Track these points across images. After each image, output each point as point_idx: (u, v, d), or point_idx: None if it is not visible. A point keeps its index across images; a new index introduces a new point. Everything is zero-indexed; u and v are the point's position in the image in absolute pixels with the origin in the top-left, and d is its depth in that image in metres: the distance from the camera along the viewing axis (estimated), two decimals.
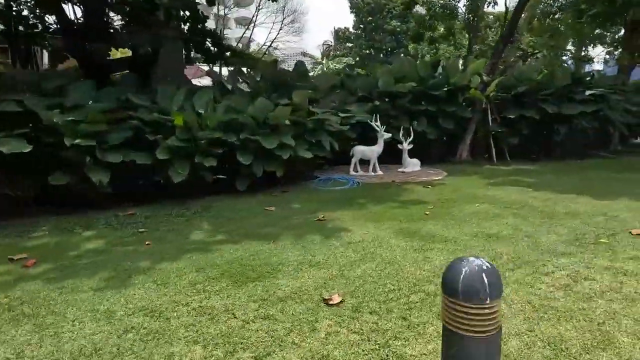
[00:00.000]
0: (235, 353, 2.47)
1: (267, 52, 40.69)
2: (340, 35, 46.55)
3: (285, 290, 3.35)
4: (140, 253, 4.38)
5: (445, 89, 10.63)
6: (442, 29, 16.46)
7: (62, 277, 3.73)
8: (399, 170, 9.64)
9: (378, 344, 2.53)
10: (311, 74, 19.47)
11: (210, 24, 29.85)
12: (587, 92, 10.68)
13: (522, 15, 19.22)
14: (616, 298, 3.03)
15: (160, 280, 3.60)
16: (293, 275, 3.67)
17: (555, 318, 2.78)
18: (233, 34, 41.84)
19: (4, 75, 7.52)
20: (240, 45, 39.97)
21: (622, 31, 15.16)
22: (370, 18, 42.96)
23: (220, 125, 7.14)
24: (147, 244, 4.65)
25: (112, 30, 10.35)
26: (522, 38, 17.02)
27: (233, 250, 4.39)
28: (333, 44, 49.73)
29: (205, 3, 14.27)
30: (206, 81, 16.48)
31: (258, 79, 9.58)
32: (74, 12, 10.72)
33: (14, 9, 10.59)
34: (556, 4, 16.05)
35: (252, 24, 32.03)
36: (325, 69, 28.10)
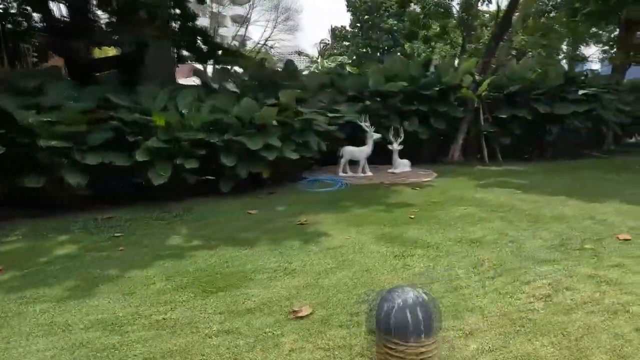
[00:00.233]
0: None
1: (263, 51, 40.49)
2: (337, 33, 46.36)
3: (254, 300, 3.21)
4: (112, 259, 4.23)
5: (437, 88, 10.49)
6: (436, 27, 16.32)
7: (26, 285, 3.59)
8: (389, 171, 9.51)
9: None
10: (306, 72, 19.33)
11: (204, 22, 29.62)
12: (580, 92, 10.56)
13: (517, 14, 19.13)
14: (597, 310, 2.91)
15: (126, 289, 3.46)
16: (265, 284, 3.54)
17: (532, 332, 2.65)
18: (229, 32, 41.59)
19: None
20: (236, 43, 39.83)
21: (618, 30, 15.06)
22: (367, 16, 42.78)
23: (204, 126, 6.99)
24: (121, 250, 4.51)
25: (96, 29, 10.17)
26: (514, 37, 16.92)
27: (208, 256, 4.25)
28: (330, 42, 49.54)
29: (194, 1, 14.07)
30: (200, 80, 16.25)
31: (246, 78, 9.42)
32: (59, 9, 10.52)
33: (1, 6, 10.41)
34: (551, 3, 15.93)
35: (247, 22, 31.78)
36: (320, 67, 27.93)
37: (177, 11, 13.61)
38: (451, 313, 2.92)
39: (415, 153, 10.88)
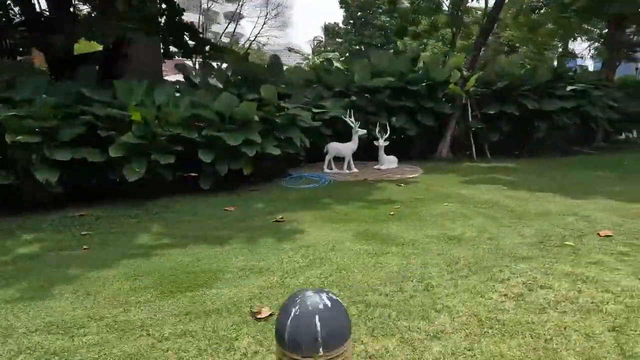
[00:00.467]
0: None
1: (255, 47, 40.21)
2: (329, 30, 46.14)
3: (216, 301, 3.06)
4: (76, 259, 4.06)
5: (425, 84, 10.36)
6: (426, 23, 16.18)
7: None
8: (375, 167, 9.37)
9: None
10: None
11: (195, 18, 29.29)
12: (568, 88, 10.47)
13: (510, 10, 19.04)
14: (570, 309, 2.78)
15: (84, 290, 3.29)
16: (231, 283, 3.38)
17: (500, 334, 2.52)
18: (222, 28, 41.23)
19: None
20: (229, 40, 39.52)
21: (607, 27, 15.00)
22: (359, 13, 42.61)
23: (183, 121, 6.81)
24: (86, 249, 4.34)
25: (77, 22, 9.94)
26: (503, 32, 16.81)
27: (176, 255, 4.09)
28: (324, 39, 49.32)
29: None
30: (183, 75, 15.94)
31: (229, 73, 9.23)
32: (38, 3, 10.26)
33: None
34: None
35: (239, 19, 31.49)
36: (311, 64, 27.71)
37: (164, 6, 13.39)
38: (419, 313, 2.79)
39: (403, 149, 10.76)
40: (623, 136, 16.70)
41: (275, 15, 33.63)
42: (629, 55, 22.29)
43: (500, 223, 4.92)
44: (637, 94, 17.65)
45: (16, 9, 10.46)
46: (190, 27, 14.38)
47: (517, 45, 17.89)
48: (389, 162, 9.46)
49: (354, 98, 9.90)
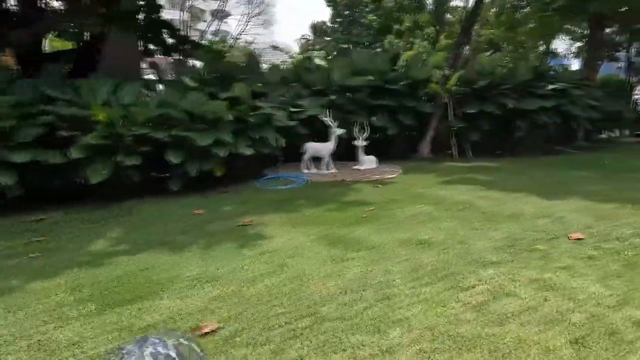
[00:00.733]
0: None
1: (239, 46, 39.79)
2: (317, 29, 45.91)
3: (161, 314, 2.86)
4: (20, 268, 3.82)
5: (405, 82, 10.23)
6: (409, 21, 16.08)
7: None
8: (354, 167, 9.20)
9: None
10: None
11: (176, 15, 28.82)
12: (549, 87, 10.42)
13: (493, 9, 19.05)
14: (532, 320, 2.64)
15: (18, 303, 3.06)
16: (181, 293, 3.18)
17: (457, 348, 2.36)
18: (208, 26, 40.70)
19: None
20: (216, 38, 39.05)
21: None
22: (347, 12, 42.48)
23: (150, 121, 6.57)
24: (33, 256, 4.09)
25: (46, 19, 9.60)
26: (483, 31, 16.82)
27: (129, 262, 3.87)
28: (312, 38, 49.10)
29: None
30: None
31: (205, 72, 8.98)
32: None
33: None
34: None
35: (225, 17, 31.09)
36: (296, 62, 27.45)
37: (141, 2, 13.06)
38: (373, 326, 2.62)
39: (384, 149, 10.63)
40: (605, 135, 16.81)
41: (258, 13, 33.25)
42: (611, 55, 22.50)
43: (472, 226, 4.78)
44: (619, 93, 17.82)
45: None
46: (169, 25, 14.08)
47: (500, 43, 17.92)
48: (369, 162, 9.30)
49: (333, 97, 9.72)
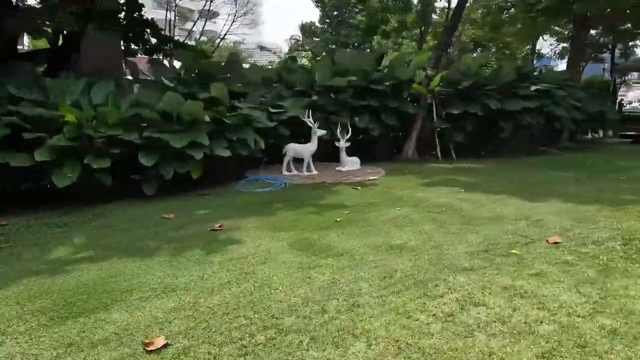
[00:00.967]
0: None
1: (228, 45, 39.50)
2: (306, 29, 45.76)
3: (110, 329, 2.68)
4: None
5: (389, 83, 10.12)
6: (395, 22, 16.02)
7: None
8: (337, 169, 9.07)
9: None
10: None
11: (161, 14, 28.47)
12: (532, 88, 10.40)
13: (480, 10, 19.08)
14: (500, 332, 2.51)
15: None
16: (135, 305, 3.00)
17: None
18: (197, 27, 40.37)
19: None
20: (204, 38, 38.70)
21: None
22: (335, 12, 42.40)
23: (123, 122, 6.36)
24: None
25: (21, 16, 9.31)
26: (466, 31, 16.85)
27: (89, 272, 3.68)
28: (301, 38, 48.93)
29: None
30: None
31: (183, 72, 8.77)
32: None
33: None
34: None
35: (208, 16, 30.83)
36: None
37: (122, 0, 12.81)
38: (334, 340, 2.47)
39: (368, 150, 10.53)
40: (589, 136, 16.92)
41: (244, 13, 33.03)
42: (596, 56, 22.73)
43: (449, 230, 4.67)
44: (603, 94, 17.96)
45: None
46: (151, 24, 13.83)
47: (485, 43, 17.96)
48: (351, 163, 9.18)
49: (315, 98, 9.58)
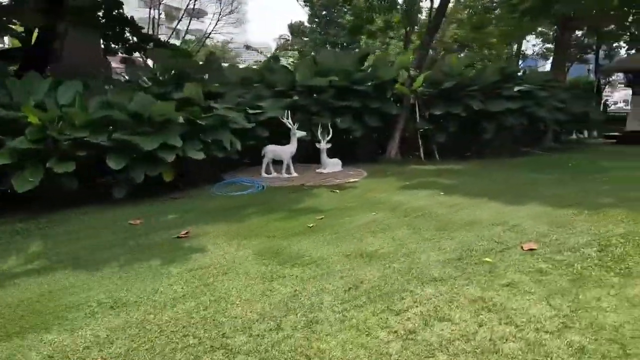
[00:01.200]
0: None
1: (215, 45, 39.09)
2: (294, 29, 45.52)
3: (43, 351, 2.48)
4: None
5: (371, 83, 9.97)
6: (381, 22, 15.89)
7: None
8: (317, 170, 8.89)
9: None
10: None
11: (144, 13, 28.03)
12: (515, 89, 10.33)
13: (466, 10, 19.05)
14: (463, 351, 2.35)
15: None
16: (78, 323, 2.79)
17: None
18: (184, 26, 39.90)
19: None
20: (192, 37, 38.21)
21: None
22: (324, 12, 42.23)
23: (91, 124, 6.11)
24: None
25: None
26: (448, 31, 16.84)
27: (35, 284, 3.46)
28: (290, 38, 48.68)
29: None
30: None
31: (159, 71, 8.51)
32: None
33: None
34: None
35: (194, 15, 30.43)
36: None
37: None
38: None
39: (351, 151, 10.36)
40: (574, 136, 16.96)
41: (230, 12, 32.70)
42: (581, 57, 22.87)
43: (424, 235, 4.51)
44: (588, 94, 18.04)
45: None
46: (131, 22, 13.53)
47: (468, 44, 17.96)
48: (332, 165, 9.00)
49: (296, 98, 9.38)
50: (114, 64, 13.88)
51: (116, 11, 12.99)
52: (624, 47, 21.18)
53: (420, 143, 10.47)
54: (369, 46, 31.64)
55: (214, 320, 2.80)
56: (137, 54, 14.08)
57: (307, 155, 9.43)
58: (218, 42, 40.58)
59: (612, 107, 29.03)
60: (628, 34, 17.89)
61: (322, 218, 5.27)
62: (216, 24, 30.72)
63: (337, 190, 7.01)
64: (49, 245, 4.52)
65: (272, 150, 8.35)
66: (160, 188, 6.82)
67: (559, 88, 12.10)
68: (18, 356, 2.42)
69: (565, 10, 11.31)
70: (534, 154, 12.05)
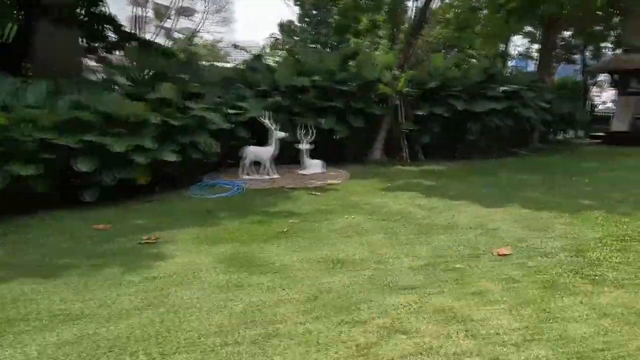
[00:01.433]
0: None
1: (204, 44, 38.71)
2: (284, 28, 45.28)
3: None
4: None
5: (355, 83, 9.85)
6: (367, 21, 15.79)
7: None
8: (300, 172, 8.75)
9: None
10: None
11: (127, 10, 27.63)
12: (500, 89, 10.28)
13: (455, 11, 19.01)
14: None
15: None
16: (24, 339, 2.63)
17: None
18: (174, 25, 39.44)
19: None
20: (181, 36, 37.79)
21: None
22: (315, 12, 42.07)
23: (60, 125, 5.91)
24: None
25: None
26: (431, 31, 16.78)
27: None
28: (281, 37, 48.44)
29: None
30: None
31: (136, 71, 8.31)
32: None
33: None
34: None
35: (180, 13, 30.04)
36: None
37: None
38: None
39: (335, 152, 10.24)
40: (561, 136, 17.03)
41: (217, 11, 32.42)
42: (568, 58, 22.98)
43: (399, 240, 4.40)
44: (575, 95, 18.13)
45: None
46: (111, 19, 13.27)
47: (449, 44, 17.93)
48: (315, 166, 8.86)
49: (278, 98, 9.23)
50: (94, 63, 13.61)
51: (95, 8, 12.74)
52: (611, 48, 21.32)
53: (404, 144, 10.37)
54: (360, 46, 31.56)
55: (168, 334, 2.65)
56: (118, 53, 13.81)
57: (291, 157, 9.28)
58: (208, 41, 40.28)
59: (601, 107, 29.23)
60: (613, 34, 17.99)
61: (297, 222, 5.14)
62: (203, 23, 30.38)
63: (317, 193, 6.88)
64: (9, 251, 4.33)
65: (252, 152, 8.19)
66: (135, 191, 6.64)
67: (545, 88, 12.09)
68: None
69: (551, 10, 11.29)
70: (520, 154, 12.04)
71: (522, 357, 2.29)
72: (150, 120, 6.54)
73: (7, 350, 2.51)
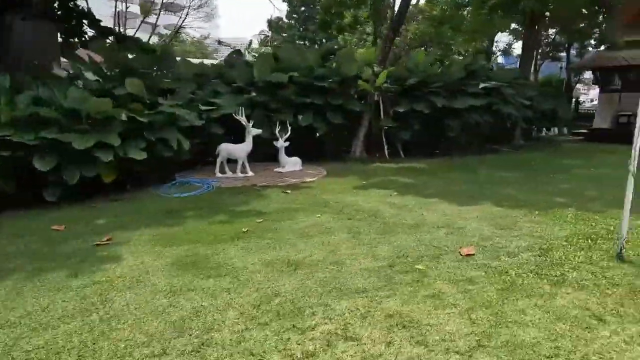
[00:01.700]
0: None
1: (195, 40, 38.34)
2: (273, 25, 44.94)
3: None
4: None
5: (334, 80, 9.69)
6: (350, 17, 15.63)
7: None
8: (276, 170, 8.58)
9: None
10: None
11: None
12: (480, 86, 10.19)
13: (438, 8, 18.92)
14: None
15: None
16: None
17: None
18: (161, 21, 38.94)
19: None
20: (167, 32, 37.31)
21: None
22: (302, 8, 41.82)
23: (18, 121, 5.67)
24: None
25: None
26: (409, 27, 16.69)
27: None
28: (270, 34, 48.08)
29: None
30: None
31: (105, 66, 8.06)
32: None
33: None
34: None
35: (163, 9, 29.69)
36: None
37: None
38: None
39: (315, 150, 10.09)
40: (544, 133, 17.06)
41: (199, 6, 32.07)
42: (553, 55, 23.04)
43: (361, 240, 4.26)
44: (558, 92, 18.16)
45: None
46: (88, 14, 12.97)
47: (429, 40, 17.85)
48: (292, 164, 8.70)
49: (254, 94, 9.04)
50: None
51: (72, 3, 12.45)
52: (594, 45, 21.41)
53: (384, 141, 10.25)
54: (348, 42, 31.38)
55: (94, 344, 2.47)
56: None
57: (270, 154, 9.10)
58: (194, 37, 39.82)
59: (588, 105, 29.43)
60: (597, 32, 18.04)
61: (261, 222, 4.97)
62: (185, 18, 29.99)
63: (289, 191, 6.71)
64: None
65: (226, 149, 7.99)
66: (99, 190, 6.42)
67: (526, 85, 12.03)
68: None
69: (533, 6, 11.21)
70: (501, 151, 11.99)
71: None
72: (116, 116, 6.32)
73: None
